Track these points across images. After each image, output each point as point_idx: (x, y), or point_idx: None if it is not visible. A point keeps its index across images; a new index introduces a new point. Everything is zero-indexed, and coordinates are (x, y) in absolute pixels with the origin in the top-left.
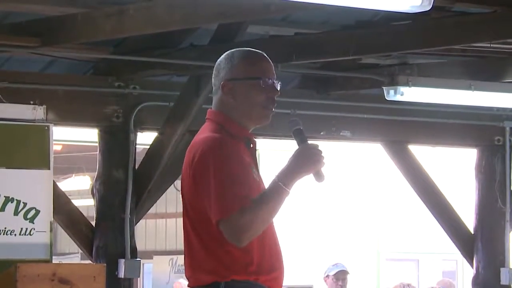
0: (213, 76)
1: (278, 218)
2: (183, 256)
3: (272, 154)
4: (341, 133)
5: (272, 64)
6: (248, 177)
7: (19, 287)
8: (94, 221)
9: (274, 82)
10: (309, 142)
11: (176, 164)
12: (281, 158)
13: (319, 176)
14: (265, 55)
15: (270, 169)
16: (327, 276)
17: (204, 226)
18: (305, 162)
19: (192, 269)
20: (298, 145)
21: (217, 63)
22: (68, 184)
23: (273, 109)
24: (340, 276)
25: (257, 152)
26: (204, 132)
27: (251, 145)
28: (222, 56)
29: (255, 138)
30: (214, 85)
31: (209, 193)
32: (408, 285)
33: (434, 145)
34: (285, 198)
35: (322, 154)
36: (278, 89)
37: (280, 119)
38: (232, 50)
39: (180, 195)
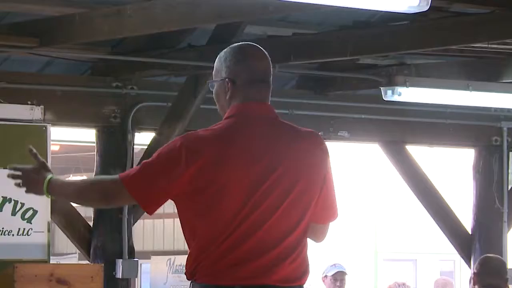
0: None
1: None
2: (180, 256)
3: None
4: (338, 133)
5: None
6: None
7: (17, 287)
8: (92, 221)
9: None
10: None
11: None
12: None
13: None
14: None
15: None
16: (325, 276)
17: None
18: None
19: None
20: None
21: None
22: None
23: None
24: (338, 277)
25: None
26: (295, 127)
27: None
28: None
29: None
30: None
31: None
32: (403, 284)
33: (431, 145)
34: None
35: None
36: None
37: None
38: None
39: None
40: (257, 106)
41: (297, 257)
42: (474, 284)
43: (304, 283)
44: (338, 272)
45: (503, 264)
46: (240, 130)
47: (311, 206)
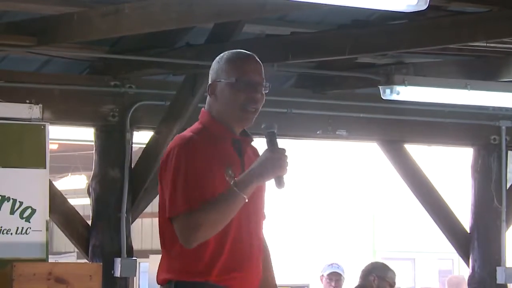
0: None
1: (276, 218)
2: None
3: None
4: (337, 132)
5: (261, 64)
6: (209, 179)
7: (15, 286)
8: (90, 220)
9: (254, 82)
10: (279, 147)
11: None
12: None
13: (279, 182)
14: (251, 55)
15: None
16: (322, 275)
17: (162, 223)
18: (267, 166)
19: (158, 268)
20: (267, 147)
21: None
22: (64, 183)
23: (256, 110)
24: (334, 277)
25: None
26: (186, 131)
27: (238, 146)
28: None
29: (253, 138)
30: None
31: (166, 190)
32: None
33: (430, 144)
34: (240, 202)
35: (287, 161)
36: (263, 89)
37: (276, 118)
38: (226, 51)
39: None
40: None
41: None
42: None
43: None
44: (332, 272)
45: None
46: None
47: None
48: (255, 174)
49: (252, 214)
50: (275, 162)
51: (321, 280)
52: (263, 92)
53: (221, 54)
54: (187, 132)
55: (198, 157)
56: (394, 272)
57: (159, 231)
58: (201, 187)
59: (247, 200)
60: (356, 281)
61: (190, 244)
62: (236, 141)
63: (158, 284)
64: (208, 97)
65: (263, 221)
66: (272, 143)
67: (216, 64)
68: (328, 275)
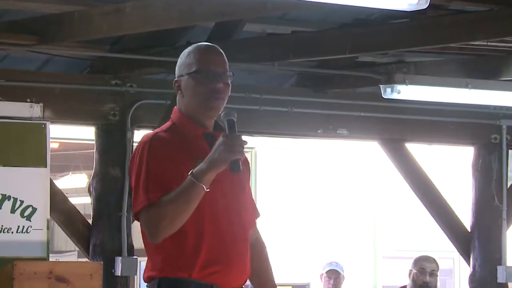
0: None
1: (276, 218)
2: None
3: (268, 152)
4: (337, 131)
5: (223, 54)
6: (172, 174)
7: (16, 284)
8: (91, 219)
9: (214, 72)
10: (234, 133)
11: None
12: (277, 156)
13: (233, 167)
14: (211, 47)
15: (266, 167)
16: (322, 274)
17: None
18: (220, 151)
19: (145, 267)
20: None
21: None
22: (65, 182)
23: (219, 99)
24: (332, 275)
25: (253, 150)
26: (156, 129)
27: (211, 140)
28: None
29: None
30: None
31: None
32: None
33: (430, 143)
34: (198, 192)
35: (241, 146)
36: (226, 79)
37: (277, 117)
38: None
39: None
40: None
41: None
42: None
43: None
44: (331, 270)
45: None
46: None
47: None
48: (208, 161)
49: (233, 209)
50: (226, 147)
51: (321, 278)
52: (227, 82)
53: (185, 50)
54: (156, 130)
55: (161, 152)
56: (421, 258)
57: (140, 228)
58: (162, 182)
59: (207, 189)
60: (356, 279)
61: (155, 239)
62: (208, 134)
63: (145, 282)
64: (177, 95)
65: (254, 218)
66: (230, 131)
67: (179, 60)
68: (327, 272)
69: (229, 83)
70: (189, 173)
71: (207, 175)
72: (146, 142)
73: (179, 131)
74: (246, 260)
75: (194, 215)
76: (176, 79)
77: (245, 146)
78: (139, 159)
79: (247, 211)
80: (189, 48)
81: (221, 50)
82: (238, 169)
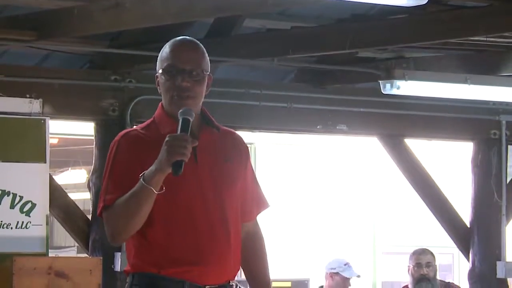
0: None
1: (275, 214)
2: None
3: (268, 148)
4: (337, 127)
5: (195, 50)
6: (134, 176)
7: (16, 280)
8: (91, 214)
9: (176, 69)
10: (180, 132)
11: None
12: (277, 151)
13: (174, 168)
14: (183, 42)
15: (266, 162)
16: (337, 273)
17: None
18: (163, 151)
19: None
20: None
21: None
22: (64, 178)
23: (183, 97)
24: (347, 283)
25: (253, 145)
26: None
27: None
28: None
29: (216, 127)
30: None
31: None
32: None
33: (430, 138)
34: (147, 194)
35: (184, 146)
36: (191, 77)
37: (276, 113)
38: None
39: None
40: None
41: None
42: None
43: None
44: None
45: None
46: None
47: None
48: (156, 162)
49: (215, 207)
50: (168, 148)
51: (331, 277)
52: (197, 80)
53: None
54: (134, 127)
55: (128, 152)
56: (416, 252)
57: None
58: (122, 183)
59: (156, 192)
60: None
61: (113, 241)
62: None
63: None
64: None
65: (252, 210)
66: (181, 129)
67: (159, 54)
68: (343, 277)
69: (200, 80)
70: (140, 175)
71: (155, 177)
72: (116, 141)
73: (156, 128)
74: (228, 259)
75: (164, 212)
76: (156, 74)
77: (192, 146)
78: (107, 158)
79: (233, 206)
80: (167, 43)
81: (197, 46)
82: (177, 173)
